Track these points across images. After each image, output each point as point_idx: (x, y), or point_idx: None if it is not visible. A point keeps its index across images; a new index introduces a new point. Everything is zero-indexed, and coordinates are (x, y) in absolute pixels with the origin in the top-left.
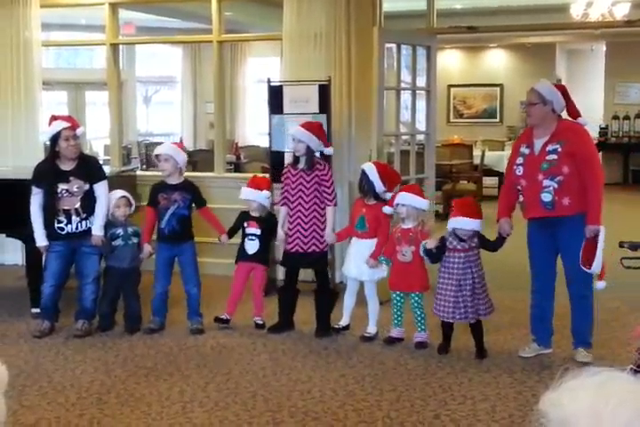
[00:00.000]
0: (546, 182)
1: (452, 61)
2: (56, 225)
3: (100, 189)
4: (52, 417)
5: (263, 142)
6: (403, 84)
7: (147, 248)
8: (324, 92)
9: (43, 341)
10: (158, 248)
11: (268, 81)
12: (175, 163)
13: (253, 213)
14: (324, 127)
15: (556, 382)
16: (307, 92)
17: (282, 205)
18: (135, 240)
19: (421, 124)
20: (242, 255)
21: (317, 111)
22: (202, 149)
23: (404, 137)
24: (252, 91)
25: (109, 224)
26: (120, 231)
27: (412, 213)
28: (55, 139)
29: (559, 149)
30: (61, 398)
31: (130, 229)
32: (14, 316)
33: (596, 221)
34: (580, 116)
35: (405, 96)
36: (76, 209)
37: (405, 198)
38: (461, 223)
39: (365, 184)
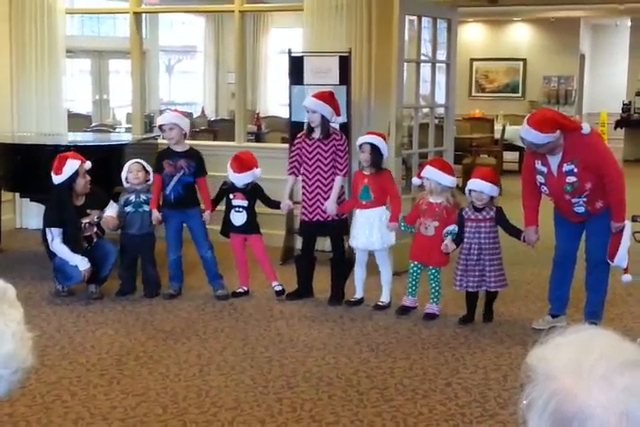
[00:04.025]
0: (574, 200)
1: (474, 35)
2: None
3: (110, 210)
4: (73, 377)
5: (284, 113)
6: (423, 57)
7: (155, 214)
8: (345, 63)
9: (64, 303)
10: (166, 215)
11: (289, 52)
12: (180, 130)
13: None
14: (344, 98)
15: (544, 338)
16: (327, 63)
17: (290, 175)
18: (146, 208)
19: (441, 98)
20: (230, 227)
21: (337, 82)
22: (223, 118)
23: (424, 110)
24: (274, 61)
25: (125, 191)
26: (132, 198)
27: (437, 188)
28: (72, 178)
29: (575, 170)
30: (82, 359)
31: (142, 197)
32: (37, 279)
33: (620, 219)
34: (580, 128)
35: (426, 69)
36: (96, 232)
37: (430, 173)
38: (477, 185)
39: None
